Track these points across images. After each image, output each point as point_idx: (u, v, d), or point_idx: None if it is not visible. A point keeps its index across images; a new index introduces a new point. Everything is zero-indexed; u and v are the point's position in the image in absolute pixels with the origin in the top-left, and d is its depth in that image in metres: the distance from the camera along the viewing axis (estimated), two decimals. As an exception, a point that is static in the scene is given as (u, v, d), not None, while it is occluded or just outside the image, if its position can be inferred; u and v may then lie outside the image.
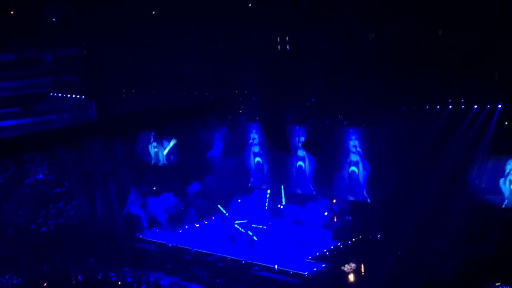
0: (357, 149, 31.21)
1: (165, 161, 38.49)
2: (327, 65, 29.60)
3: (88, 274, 30.18)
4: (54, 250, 31.95)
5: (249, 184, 35.93)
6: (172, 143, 38.05)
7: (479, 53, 25.17)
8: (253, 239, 30.88)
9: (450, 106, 27.38)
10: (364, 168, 31.11)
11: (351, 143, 31.23)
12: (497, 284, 22.42)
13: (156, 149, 38.87)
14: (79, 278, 29.79)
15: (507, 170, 26.73)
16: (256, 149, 35.67)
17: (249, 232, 31.31)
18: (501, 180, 26.80)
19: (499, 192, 26.89)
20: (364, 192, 31.30)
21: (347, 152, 31.46)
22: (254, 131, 35.44)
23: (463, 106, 27.13)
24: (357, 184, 31.53)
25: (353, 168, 31.58)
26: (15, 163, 34.16)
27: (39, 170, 37.58)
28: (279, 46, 32.14)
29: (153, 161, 39.00)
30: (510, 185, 26.61)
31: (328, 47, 29.57)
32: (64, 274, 30.26)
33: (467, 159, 27.46)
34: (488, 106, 26.54)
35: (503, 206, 26.76)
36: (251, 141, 35.77)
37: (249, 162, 35.97)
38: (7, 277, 29.85)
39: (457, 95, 26.99)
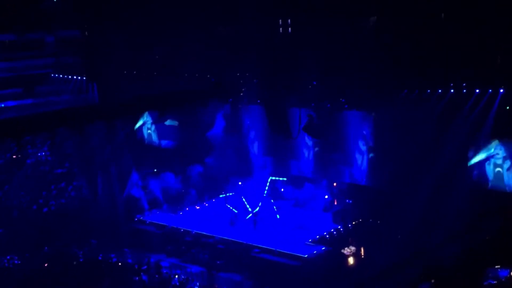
0: (358, 132, 31.20)
1: (166, 143, 38.50)
2: (328, 48, 29.49)
3: (89, 255, 30.29)
4: (56, 231, 32.01)
5: (250, 167, 35.95)
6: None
7: (481, 36, 25.08)
8: (255, 219, 31.01)
9: (452, 90, 27.36)
10: (365, 152, 31.13)
11: (353, 126, 31.22)
12: (496, 266, 22.45)
13: (157, 131, 38.88)
14: (80, 259, 29.88)
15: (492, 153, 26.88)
16: (257, 132, 35.65)
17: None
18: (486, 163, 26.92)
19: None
20: (365, 176, 31.35)
21: (348, 135, 31.46)
22: (255, 114, 35.40)
23: (464, 90, 27.11)
24: (358, 168, 31.59)
25: (354, 151, 31.61)
26: (17, 144, 34.13)
27: (40, 151, 37.68)
28: (280, 29, 32.02)
29: (154, 143, 39.01)
30: (494, 167, 26.67)
31: (330, 30, 29.46)
32: (66, 255, 30.36)
33: (469, 143, 27.50)
34: (490, 90, 26.51)
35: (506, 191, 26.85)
36: (252, 124, 35.75)
37: (250, 145, 35.97)
38: (8, 257, 29.95)
39: (459, 79, 26.95)
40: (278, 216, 31.17)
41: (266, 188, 33.20)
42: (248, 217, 31.56)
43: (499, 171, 26.99)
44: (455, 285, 21.18)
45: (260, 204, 31.89)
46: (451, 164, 27.56)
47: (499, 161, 26.96)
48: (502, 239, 24.00)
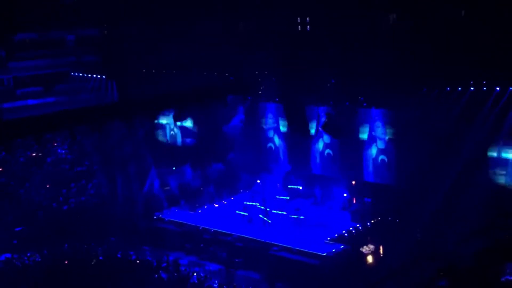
0: (377, 131, 31.07)
1: (185, 141, 38.62)
2: (347, 47, 29.40)
3: (108, 253, 30.47)
4: (75, 228, 32.23)
5: (269, 165, 35.95)
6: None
7: (501, 34, 24.86)
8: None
9: (472, 88, 27.14)
10: (384, 150, 30.99)
11: (371, 125, 31.10)
12: None
13: (176, 129, 39.01)
14: (99, 256, 30.06)
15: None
16: (275, 130, 35.64)
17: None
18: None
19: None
20: (384, 174, 31.20)
21: (367, 133, 31.35)
22: (273, 112, 35.40)
23: (484, 88, 26.88)
24: (377, 166, 31.45)
25: (373, 150, 31.49)
26: (37, 142, 34.48)
27: (60, 149, 37.97)
28: (299, 27, 31.98)
29: (173, 141, 39.15)
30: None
31: (349, 29, 29.38)
32: (85, 252, 30.56)
33: (489, 141, 27.28)
34: (511, 88, 26.27)
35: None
36: (270, 122, 35.74)
37: (268, 143, 35.97)
38: (28, 254, 30.23)
39: (479, 77, 26.74)
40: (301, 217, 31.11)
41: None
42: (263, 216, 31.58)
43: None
44: (472, 281, 21.09)
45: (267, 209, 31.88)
46: (471, 162, 27.35)
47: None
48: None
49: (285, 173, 34.81)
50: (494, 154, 27.41)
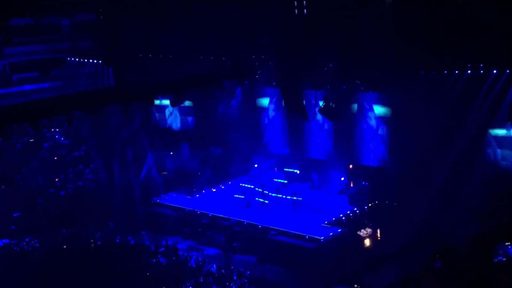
0: (374, 114, 31.08)
1: (182, 126, 38.59)
2: (344, 30, 29.30)
3: (106, 238, 30.53)
4: (73, 213, 32.27)
5: (266, 149, 35.98)
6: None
7: (499, 16, 24.79)
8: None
9: (469, 71, 27.11)
10: (381, 134, 31.01)
11: (368, 108, 31.09)
12: (507, 243, 22.50)
13: (173, 114, 38.96)
14: (97, 241, 30.13)
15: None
16: (272, 114, 35.62)
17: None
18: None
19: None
20: (381, 158, 31.26)
21: (364, 117, 31.35)
22: (271, 96, 35.35)
23: (482, 71, 26.85)
24: (374, 150, 31.50)
25: (370, 133, 31.50)
26: (33, 128, 34.37)
27: (57, 134, 37.91)
28: (296, 10, 31.82)
29: (170, 126, 39.10)
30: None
31: (346, 12, 29.24)
32: (83, 237, 30.62)
33: (486, 125, 27.31)
34: (508, 71, 26.25)
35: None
36: (268, 106, 35.72)
37: (266, 128, 35.95)
38: (27, 239, 30.29)
39: (476, 60, 26.70)
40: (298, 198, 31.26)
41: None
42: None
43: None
44: (467, 263, 21.25)
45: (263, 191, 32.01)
46: (468, 145, 27.41)
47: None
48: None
49: (282, 157, 34.88)
50: (492, 136, 27.47)
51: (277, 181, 33.15)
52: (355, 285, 23.53)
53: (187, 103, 37.46)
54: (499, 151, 27.37)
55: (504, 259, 22.00)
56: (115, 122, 34.78)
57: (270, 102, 35.50)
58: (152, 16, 35.69)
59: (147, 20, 35.95)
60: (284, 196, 31.47)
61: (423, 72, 28.02)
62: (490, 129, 27.41)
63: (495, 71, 26.53)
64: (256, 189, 32.39)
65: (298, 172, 34.06)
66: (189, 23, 34.62)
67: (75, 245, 29.71)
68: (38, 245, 30.00)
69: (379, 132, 31.13)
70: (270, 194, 31.81)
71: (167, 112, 39.38)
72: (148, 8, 35.52)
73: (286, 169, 34.20)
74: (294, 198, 31.30)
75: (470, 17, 25.77)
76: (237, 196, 32.50)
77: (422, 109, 28.05)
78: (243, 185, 32.85)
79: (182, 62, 35.63)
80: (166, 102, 38.14)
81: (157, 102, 37.94)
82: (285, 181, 33.06)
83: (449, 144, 27.65)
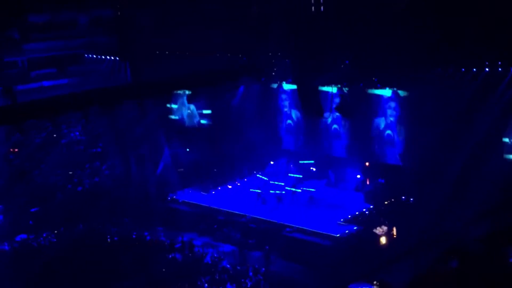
0: (391, 111, 30.95)
1: (198, 123, 38.64)
2: (361, 27, 29.18)
3: (123, 233, 30.71)
4: (90, 209, 32.48)
5: (281, 147, 35.99)
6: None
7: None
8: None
9: (487, 69, 26.92)
10: (398, 131, 30.89)
11: (385, 105, 30.98)
12: None
13: (189, 111, 39.01)
14: (114, 237, 30.31)
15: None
16: (288, 111, 35.60)
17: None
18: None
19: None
20: (398, 155, 31.14)
21: (381, 115, 31.24)
22: (287, 93, 35.32)
23: (500, 69, 26.65)
24: (391, 147, 31.36)
25: (387, 130, 31.38)
26: (52, 124, 34.69)
27: (75, 130, 38.13)
28: (313, 8, 31.75)
29: (186, 122, 39.18)
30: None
31: (363, 9, 29.13)
32: (100, 233, 30.83)
33: (503, 123, 27.11)
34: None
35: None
36: (284, 103, 35.69)
37: (282, 125, 35.95)
38: (44, 235, 30.56)
39: (494, 57, 26.49)
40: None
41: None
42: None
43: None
44: (482, 263, 21.14)
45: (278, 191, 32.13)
46: (484, 143, 27.22)
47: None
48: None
49: (298, 153, 34.87)
50: (508, 134, 27.27)
51: (293, 176, 33.15)
52: (374, 282, 23.46)
53: (203, 104, 37.57)
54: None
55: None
56: (132, 118, 34.91)
57: (287, 99, 35.43)
58: (168, 13, 35.79)
59: (164, 16, 36.06)
60: (300, 190, 31.43)
61: (440, 69, 27.82)
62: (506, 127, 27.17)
63: (513, 69, 26.31)
64: (273, 184, 32.42)
65: (313, 165, 34.01)
66: (205, 19, 34.69)
67: (91, 241, 29.92)
68: (55, 240, 30.26)
69: (395, 130, 30.98)
70: (286, 188, 31.83)
71: (183, 108, 39.43)
72: (164, 5, 35.63)
73: (301, 161, 34.16)
74: (309, 189, 31.33)
75: (488, 14, 25.56)
76: (252, 190, 32.52)
77: (438, 107, 27.88)
78: (260, 178, 32.85)
79: (198, 59, 35.70)
80: (183, 99, 38.26)
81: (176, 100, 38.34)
82: (300, 176, 33.05)
83: (466, 141, 27.48)
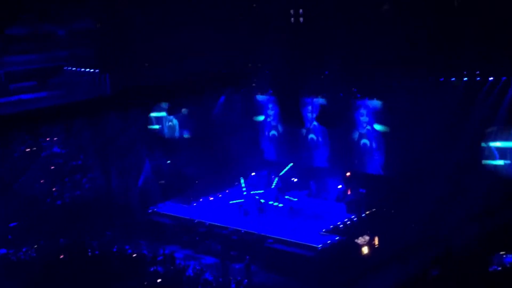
0: (371, 121, 31.10)
1: (179, 134, 38.58)
2: (341, 38, 29.36)
3: (104, 247, 30.48)
4: (71, 223, 32.21)
5: (262, 157, 35.99)
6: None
7: (495, 23, 24.87)
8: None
9: (465, 78, 27.17)
10: (378, 141, 31.02)
11: (365, 115, 31.11)
12: (501, 253, 22.55)
13: (170, 123, 38.95)
14: (95, 251, 30.07)
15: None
16: (269, 122, 35.62)
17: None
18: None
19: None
20: (378, 165, 31.26)
21: (361, 124, 31.37)
22: (267, 104, 35.37)
23: (478, 78, 26.91)
24: (371, 157, 31.49)
25: (367, 140, 31.52)
26: (31, 137, 34.42)
27: (55, 143, 37.88)
28: (292, 19, 31.92)
29: (167, 134, 39.10)
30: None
31: (342, 20, 29.33)
32: (81, 247, 30.55)
33: (483, 131, 27.34)
34: (504, 78, 26.30)
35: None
36: (264, 114, 35.72)
37: (263, 135, 35.96)
38: (24, 249, 30.23)
39: (472, 67, 26.77)
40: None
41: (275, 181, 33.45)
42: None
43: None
44: (463, 271, 21.28)
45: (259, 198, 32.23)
46: (465, 151, 27.42)
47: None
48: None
49: (279, 164, 34.88)
50: (488, 142, 27.49)
51: (274, 187, 33.18)
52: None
53: (184, 111, 37.48)
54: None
55: (499, 269, 22.04)
56: (112, 130, 34.75)
57: (267, 110, 35.47)
58: (148, 25, 35.75)
59: (144, 28, 36.01)
60: (281, 205, 31.52)
61: (419, 79, 28.04)
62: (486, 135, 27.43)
63: (491, 78, 26.53)
64: (256, 196, 32.41)
65: (295, 180, 34.11)
66: (185, 32, 34.69)
67: (72, 255, 29.62)
68: (35, 254, 29.95)
69: (376, 139, 31.11)
70: (268, 202, 31.89)
71: (164, 120, 39.34)
72: (145, 16, 35.60)
73: (282, 172, 34.23)
74: (291, 199, 31.57)
75: (466, 25, 25.86)
76: (233, 202, 32.53)
77: (419, 116, 28.06)
78: (242, 189, 32.86)
79: (179, 69, 35.66)
80: (163, 110, 38.18)
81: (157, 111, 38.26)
82: (280, 186, 33.14)
83: (446, 150, 27.68)
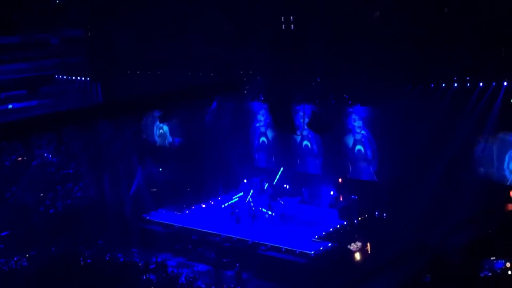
0: (363, 128, 31.16)
1: (170, 141, 38.57)
2: (332, 45, 29.44)
3: (96, 255, 30.38)
4: (63, 231, 32.10)
5: (254, 164, 36.00)
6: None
7: (484, 29, 25.00)
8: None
9: (456, 84, 27.28)
10: (370, 147, 31.08)
11: (356, 122, 31.18)
12: (492, 258, 22.63)
13: (161, 131, 38.95)
14: (87, 259, 29.97)
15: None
16: (261, 129, 35.65)
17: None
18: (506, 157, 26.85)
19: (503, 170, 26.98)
20: (370, 171, 31.32)
21: (353, 131, 31.43)
22: (259, 111, 35.40)
23: (468, 84, 27.03)
24: (363, 163, 31.54)
25: (359, 147, 31.57)
26: (23, 146, 34.24)
27: (46, 152, 37.77)
28: (283, 26, 31.99)
29: (158, 142, 39.09)
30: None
31: (333, 27, 29.41)
32: (73, 256, 30.45)
33: (473, 137, 27.44)
34: (494, 83, 26.43)
35: (508, 184, 26.85)
36: (256, 121, 35.75)
37: (254, 142, 35.98)
38: (15, 258, 30.11)
39: (462, 73, 26.88)
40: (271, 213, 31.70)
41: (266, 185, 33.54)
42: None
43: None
44: (454, 277, 21.35)
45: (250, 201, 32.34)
46: (456, 158, 27.51)
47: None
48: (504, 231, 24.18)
49: (271, 171, 34.89)
50: (479, 148, 27.60)
51: (266, 194, 33.20)
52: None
53: (176, 122, 37.51)
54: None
55: (489, 274, 22.12)
56: (104, 139, 34.69)
57: (259, 116, 35.50)
58: (140, 32, 35.76)
59: (135, 35, 36.01)
60: (273, 214, 31.56)
61: (411, 85, 28.14)
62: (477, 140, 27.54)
63: (481, 84, 26.66)
64: (251, 204, 32.43)
65: (287, 186, 34.13)
66: (177, 38, 34.71)
67: (64, 264, 29.52)
68: (26, 264, 29.81)
69: (367, 146, 31.17)
70: (259, 208, 31.89)
71: (155, 128, 39.33)
72: (136, 24, 35.60)
73: (275, 181, 34.23)
74: (282, 202, 31.79)
75: (456, 31, 25.97)
76: (226, 208, 32.48)
77: (410, 122, 28.13)
78: (234, 196, 32.85)
79: (170, 77, 35.71)
80: (155, 119, 38.18)
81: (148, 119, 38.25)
82: (271, 193, 33.17)
83: (438, 156, 27.73)
